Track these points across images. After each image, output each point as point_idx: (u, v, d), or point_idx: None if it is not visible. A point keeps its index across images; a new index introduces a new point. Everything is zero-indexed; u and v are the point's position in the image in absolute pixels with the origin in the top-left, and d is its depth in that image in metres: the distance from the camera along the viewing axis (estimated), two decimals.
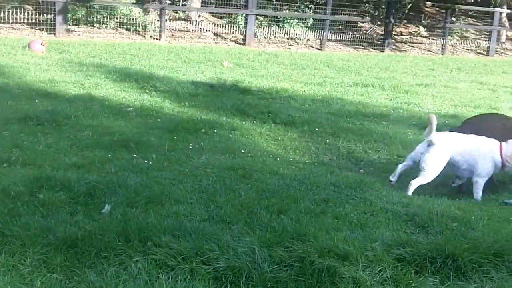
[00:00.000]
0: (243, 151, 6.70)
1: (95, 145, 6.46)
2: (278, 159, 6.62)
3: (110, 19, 18.48)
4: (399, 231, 4.45)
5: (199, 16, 20.98)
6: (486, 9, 24.82)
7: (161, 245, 3.75)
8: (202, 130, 7.46)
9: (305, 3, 21.93)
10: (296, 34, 21.18)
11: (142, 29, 18.83)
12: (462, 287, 3.56)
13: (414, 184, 6.00)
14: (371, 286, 3.45)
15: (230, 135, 7.43)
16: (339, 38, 21.90)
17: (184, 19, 20.72)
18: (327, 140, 7.77)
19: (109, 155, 6.06)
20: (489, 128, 6.56)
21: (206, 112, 8.60)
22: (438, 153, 6.03)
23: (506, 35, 27.09)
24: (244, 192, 5.08)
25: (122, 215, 4.26)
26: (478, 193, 6.05)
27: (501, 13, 25.03)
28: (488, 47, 23.98)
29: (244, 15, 19.76)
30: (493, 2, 25.39)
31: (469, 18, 27.45)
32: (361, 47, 21.81)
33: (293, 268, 3.62)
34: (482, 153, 6.06)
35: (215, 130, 7.52)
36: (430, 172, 6.04)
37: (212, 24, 20.81)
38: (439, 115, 9.74)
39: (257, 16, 20.17)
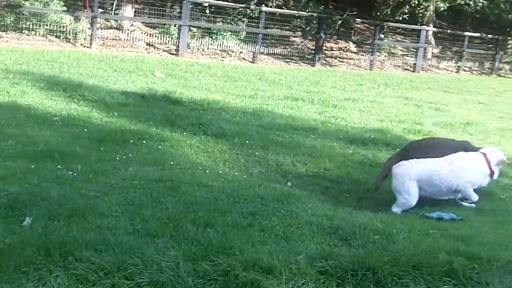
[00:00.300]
0: (172, 162, 6.66)
1: (18, 156, 6.26)
2: (207, 171, 6.61)
3: (40, 26, 18.04)
4: (323, 244, 4.52)
5: (131, 25, 20.76)
6: (413, 26, 25.67)
7: (82, 260, 3.66)
8: (130, 141, 7.36)
9: (239, 16, 22.07)
10: (229, 46, 21.29)
11: (73, 36, 18.47)
12: None
13: None
14: None
15: (159, 147, 7.37)
16: (271, 51, 22.16)
17: (116, 28, 20.45)
18: (257, 153, 7.83)
19: (33, 166, 5.89)
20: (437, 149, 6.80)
21: (135, 123, 8.50)
22: None
23: (432, 52, 28.11)
24: (171, 204, 5.05)
25: (43, 228, 4.15)
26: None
27: (427, 31, 25.99)
28: (415, 64, 24.81)
29: (177, 25, 19.71)
30: (420, 20, 26.29)
31: (397, 35, 28.34)
32: (292, 61, 22.13)
33: (217, 282, 3.62)
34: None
35: (144, 141, 7.43)
36: None
37: (144, 33, 20.64)
38: (365, 129, 10.02)
39: (191, 27, 20.16)
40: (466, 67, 27.96)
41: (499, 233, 5.36)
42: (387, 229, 4.90)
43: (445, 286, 3.89)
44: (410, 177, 6.29)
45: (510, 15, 29.66)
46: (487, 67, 28.88)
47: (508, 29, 30.13)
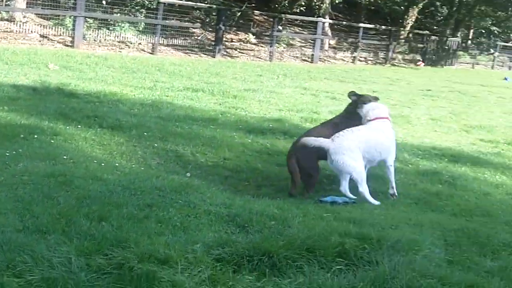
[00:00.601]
0: (65, 157, 6.44)
1: None
2: (102, 164, 6.46)
3: None
4: (220, 232, 4.55)
5: (24, 16, 19.88)
6: (310, 18, 26.27)
7: None
8: (21, 136, 7.05)
9: (136, 7, 21.70)
10: (128, 37, 20.90)
11: None
12: (276, 282, 3.71)
13: None
14: (190, 287, 3.49)
15: (52, 141, 7.11)
16: (171, 42, 21.96)
17: (7, 20, 19.52)
18: (155, 144, 7.74)
19: None
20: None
21: (26, 117, 8.16)
22: None
23: (329, 44, 28.88)
24: (63, 200, 4.89)
25: None
26: None
27: (323, 22, 26.67)
28: (313, 55, 25.42)
29: (72, 17, 19.09)
30: (317, 12, 26.93)
31: (295, 27, 28.89)
32: (192, 52, 22.04)
33: (112, 275, 3.56)
34: None
35: (36, 136, 7.15)
36: None
37: (38, 25, 19.85)
38: (264, 119, 10.16)
39: (86, 18, 19.58)
40: (361, 57, 28.97)
41: (389, 214, 5.60)
42: (283, 215, 5.00)
43: (338, 267, 4.03)
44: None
45: (402, 7, 31.00)
46: (381, 57, 30.07)
47: (400, 21, 31.51)
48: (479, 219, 5.91)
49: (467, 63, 36.76)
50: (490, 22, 41.25)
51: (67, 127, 7.88)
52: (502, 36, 44.99)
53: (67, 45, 18.73)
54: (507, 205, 6.71)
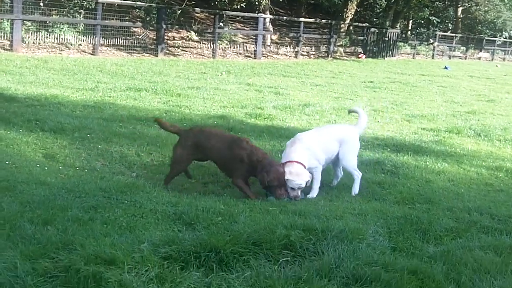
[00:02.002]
0: (7, 162, 6.32)
1: None
2: (46, 168, 6.37)
3: None
4: (167, 230, 4.56)
5: None
6: (251, 14, 26.36)
7: None
8: None
9: (75, 8, 21.31)
10: (67, 39, 20.53)
11: None
12: (224, 277, 3.76)
13: None
14: (137, 286, 3.49)
15: None
16: (112, 43, 21.68)
17: None
18: (99, 146, 7.66)
19: None
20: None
21: None
22: None
23: (271, 39, 29.06)
24: (6, 205, 4.80)
25: None
26: None
27: (264, 18, 26.80)
28: (255, 51, 25.52)
29: (9, 20, 18.59)
30: (257, 8, 27.05)
31: (237, 23, 28.94)
32: (135, 51, 21.83)
33: (58, 278, 3.54)
34: None
35: None
36: None
37: None
38: (208, 116, 10.18)
39: (24, 21, 19.11)
40: (303, 51, 29.26)
41: (333, 205, 5.72)
42: (230, 210, 5.05)
43: (284, 259, 4.11)
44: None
45: (341, 1, 31.42)
46: (323, 51, 30.43)
47: (340, 14, 31.94)
48: (421, 206, 6.09)
49: (408, 54, 37.61)
50: (428, 12, 42.26)
51: (8, 132, 7.72)
52: (441, 26, 46.25)
53: (6, 49, 18.26)
54: (448, 192, 6.92)
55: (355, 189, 6.58)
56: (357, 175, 6.65)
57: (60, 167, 6.56)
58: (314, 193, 6.34)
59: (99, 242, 4.03)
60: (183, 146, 6.31)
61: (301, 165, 6.10)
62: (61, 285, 3.48)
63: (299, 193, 6.04)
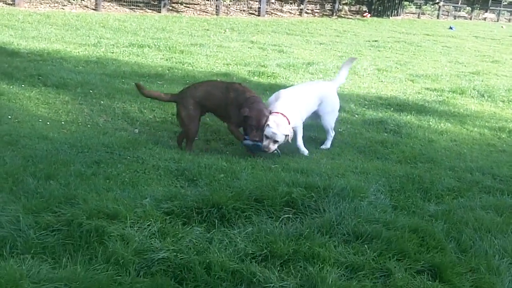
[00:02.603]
0: (9, 116, 6.33)
1: None
2: (48, 123, 6.36)
3: None
4: (170, 186, 4.58)
5: None
6: None
7: None
8: None
9: None
10: None
11: None
12: (225, 232, 3.79)
13: None
14: (140, 241, 3.52)
15: None
16: None
17: None
18: (102, 102, 7.63)
19: None
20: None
21: None
22: None
23: None
24: (9, 159, 4.82)
25: None
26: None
27: None
28: (259, 8, 25.20)
29: None
30: None
31: None
32: (138, 7, 21.57)
33: (61, 232, 3.57)
34: None
35: None
36: None
37: None
38: (211, 73, 10.12)
39: None
40: (308, 9, 28.87)
41: (335, 163, 5.72)
42: (232, 167, 5.06)
43: (285, 215, 4.13)
44: None
45: None
46: (328, 9, 30.03)
47: None
48: (423, 165, 6.10)
49: (413, 13, 37.11)
50: None
51: (11, 87, 7.69)
52: None
53: (8, 3, 18.07)
54: (451, 151, 6.92)
55: (327, 145, 6.66)
56: (331, 134, 6.71)
57: (63, 122, 6.55)
58: (302, 149, 6.27)
59: (101, 197, 4.06)
60: (186, 108, 6.08)
61: (286, 119, 5.92)
62: (63, 238, 3.51)
63: (272, 146, 5.77)
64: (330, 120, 6.70)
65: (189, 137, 6.11)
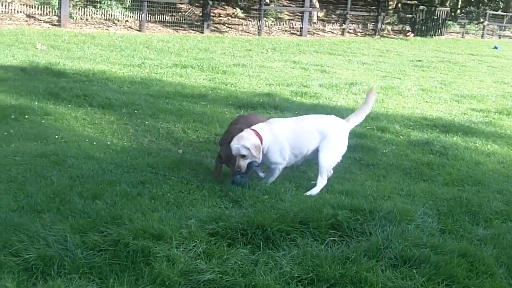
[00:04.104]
0: (56, 136, 6.44)
1: None
2: (94, 143, 6.45)
3: None
4: (214, 207, 4.58)
5: None
6: None
7: None
8: (11, 117, 7.03)
9: None
10: (115, 15, 20.73)
11: None
12: (270, 255, 3.76)
13: None
14: (185, 262, 3.53)
15: (43, 121, 7.09)
16: (158, 19, 21.81)
17: None
18: (146, 122, 7.72)
19: None
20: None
21: (16, 97, 8.11)
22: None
23: (318, 16, 28.74)
24: (56, 179, 4.91)
25: None
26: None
27: None
28: (301, 28, 25.30)
29: None
30: None
31: (283, 0, 28.69)
32: (181, 28, 21.90)
33: (107, 252, 3.60)
34: None
35: (26, 116, 7.13)
36: None
37: (24, 5, 19.62)
38: (254, 93, 10.15)
39: None
40: (350, 29, 28.86)
41: (381, 185, 5.64)
42: (276, 189, 5.03)
43: (331, 238, 4.08)
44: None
45: None
46: (370, 29, 29.95)
47: None
48: (471, 188, 5.96)
49: (457, 33, 36.72)
50: None
51: (57, 107, 7.85)
52: (491, 4, 44.91)
53: (54, 25, 18.57)
54: (498, 174, 6.75)
55: (313, 192, 5.18)
56: (323, 178, 5.33)
57: (108, 142, 6.64)
58: (261, 175, 5.49)
59: (147, 217, 4.08)
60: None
61: (255, 134, 5.12)
62: (110, 258, 3.53)
63: (242, 163, 4.99)
64: (326, 157, 5.37)
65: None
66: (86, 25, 19.70)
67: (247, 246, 3.84)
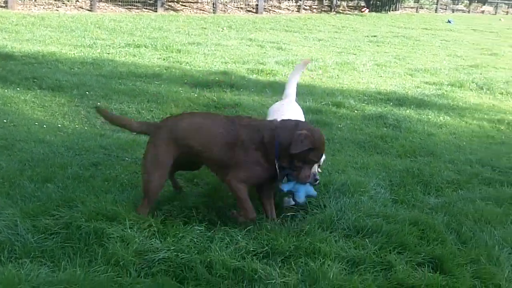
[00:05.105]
0: (5, 120, 6.29)
1: None
2: (44, 126, 6.32)
3: None
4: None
5: None
6: None
7: None
8: None
9: None
10: None
11: None
12: (226, 231, 3.75)
13: None
14: (140, 242, 3.50)
15: None
16: None
17: None
18: (99, 103, 7.58)
19: None
20: None
21: None
22: None
23: None
24: (5, 163, 4.80)
25: None
26: None
27: None
28: (257, 5, 25.12)
29: None
30: None
31: None
32: (133, 7, 21.49)
33: (59, 235, 3.54)
34: None
35: None
36: None
37: None
38: (210, 72, 10.07)
39: None
40: (306, 6, 28.80)
41: (335, 159, 5.69)
42: None
43: (287, 214, 4.11)
44: None
45: None
46: (326, 5, 29.94)
47: None
48: (423, 159, 6.08)
49: (411, 8, 37.02)
50: None
51: (6, 90, 7.64)
52: None
53: (1, 6, 18.01)
54: (450, 144, 6.90)
55: None
56: None
57: (59, 125, 6.51)
58: None
59: (100, 198, 4.03)
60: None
61: None
62: (62, 241, 3.48)
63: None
64: None
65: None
66: (35, 6, 19.16)
67: (202, 224, 3.83)
